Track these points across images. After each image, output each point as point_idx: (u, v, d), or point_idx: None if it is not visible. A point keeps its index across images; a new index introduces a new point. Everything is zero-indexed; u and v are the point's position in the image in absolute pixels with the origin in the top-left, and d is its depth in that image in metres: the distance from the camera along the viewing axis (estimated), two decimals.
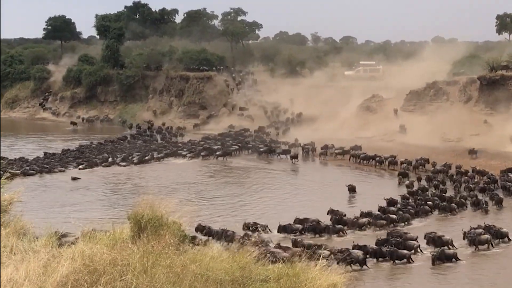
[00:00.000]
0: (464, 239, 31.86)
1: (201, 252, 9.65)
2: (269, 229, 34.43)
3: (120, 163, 57.02)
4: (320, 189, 46.60)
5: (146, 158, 58.92)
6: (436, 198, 40.32)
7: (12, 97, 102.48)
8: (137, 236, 9.39)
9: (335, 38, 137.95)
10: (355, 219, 35.70)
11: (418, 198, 40.40)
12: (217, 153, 60.01)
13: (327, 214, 36.39)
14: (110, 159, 58.28)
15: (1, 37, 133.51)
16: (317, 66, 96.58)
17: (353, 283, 25.43)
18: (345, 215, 36.28)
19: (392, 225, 35.23)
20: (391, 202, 39.21)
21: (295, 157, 57.37)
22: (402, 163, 51.93)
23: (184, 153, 61.32)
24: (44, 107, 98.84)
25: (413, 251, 30.33)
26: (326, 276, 9.50)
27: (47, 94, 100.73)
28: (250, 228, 34.09)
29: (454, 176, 46.81)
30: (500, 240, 32.68)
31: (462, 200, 40.05)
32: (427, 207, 38.46)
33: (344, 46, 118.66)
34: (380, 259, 29.64)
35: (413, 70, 76.66)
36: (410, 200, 40.19)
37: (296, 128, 70.99)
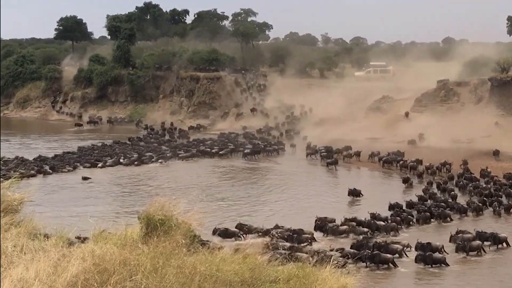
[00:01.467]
0: (450, 241, 31.35)
1: (212, 253, 9.65)
2: (243, 236, 33.16)
3: (136, 162, 56.75)
4: (327, 192, 46.19)
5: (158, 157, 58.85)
6: (440, 204, 39.23)
7: (24, 96, 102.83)
8: (148, 236, 9.39)
9: (346, 39, 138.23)
10: (336, 226, 34.74)
11: (422, 204, 39.55)
12: (245, 151, 59.98)
13: (315, 222, 35.24)
14: (124, 159, 57.97)
15: (13, 38, 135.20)
16: (327, 67, 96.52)
17: (363, 284, 25.36)
18: (334, 221, 35.48)
19: (377, 232, 34.18)
20: (392, 207, 38.46)
21: (333, 163, 54.33)
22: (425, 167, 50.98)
23: (213, 151, 60.87)
24: (55, 108, 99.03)
25: (396, 254, 29.81)
26: (336, 277, 9.47)
27: (56, 96, 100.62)
28: (221, 233, 32.66)
29: (461, 182, 45.92)
30: (498, 245, 32.06)
31: (464, 206, 39.00)
32: (427, 213, 37.48)
33: (354, 47, 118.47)
34: (362, 263, 28.98)
35: (424, 71, 76.44)
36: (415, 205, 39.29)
37: (306, 130, 70.62)
